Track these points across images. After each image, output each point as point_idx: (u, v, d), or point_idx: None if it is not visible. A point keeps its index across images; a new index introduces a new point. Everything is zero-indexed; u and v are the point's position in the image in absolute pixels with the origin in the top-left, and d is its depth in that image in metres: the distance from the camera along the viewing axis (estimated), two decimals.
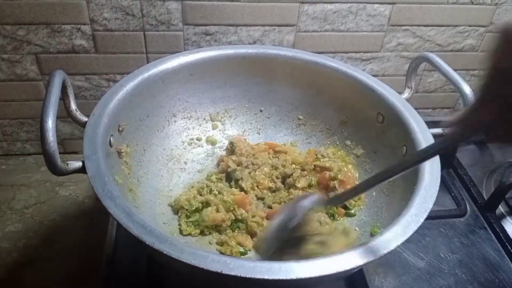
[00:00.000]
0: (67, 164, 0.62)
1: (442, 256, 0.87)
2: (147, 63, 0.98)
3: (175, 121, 0.93)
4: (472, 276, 0.84)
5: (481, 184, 1.04)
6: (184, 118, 0.95)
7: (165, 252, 0.54)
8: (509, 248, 0.89)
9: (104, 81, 1.02)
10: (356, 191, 0.69)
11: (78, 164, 0.63)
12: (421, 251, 0.87)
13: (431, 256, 0.86)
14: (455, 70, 0.82)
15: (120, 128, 0.77)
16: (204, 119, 0.98)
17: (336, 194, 0.86)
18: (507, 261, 0.87)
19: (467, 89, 0.77)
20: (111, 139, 0.73)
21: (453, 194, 0.98)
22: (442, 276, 0.83)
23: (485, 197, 0.99)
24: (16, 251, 0.90)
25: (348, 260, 0.57)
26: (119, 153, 0.76)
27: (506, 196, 0.96)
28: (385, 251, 0.58)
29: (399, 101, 0.84)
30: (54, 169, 0.60)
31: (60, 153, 1.08)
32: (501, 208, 0.97)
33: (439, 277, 0.83)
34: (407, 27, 1.06)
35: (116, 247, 0.84)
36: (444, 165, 0.72)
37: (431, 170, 0.70)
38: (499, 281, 0.83)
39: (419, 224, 0.62)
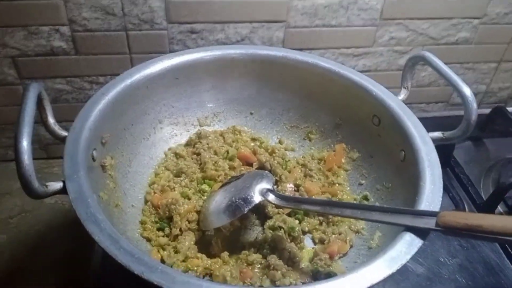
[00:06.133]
0: (46, 186, 0.58)
1: (442, 260, 0.85)
2: (131, 63, 0.97)
3: (161, 128, 0.89)
4: (473, 280, 0.82)
5: (478, 182, 1.01)
6: (171, 124, 0.91)
7: (155, 283, 0.51)
8: (510, 250, 0.87)
9: (87, 84, 0.99)
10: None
11: (59, 185, 0.59)
12: (420, 256, 0.85)
13: (430, 261, 0.84)
14: (449, 63, 0.78)
15: (103, 140, 0.73)
16: (192, 124, 0.94)
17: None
18: (508, 263, 0.85)
19: (466, 91, 0.73)
20: (93, 153, 0.69)
21: (451, 194, 0.95)
22: (442, 282, 0.81)
23: (483, 196, 0.97)
24: (0, 263, 0.88)
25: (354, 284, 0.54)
26: (103, 166, 0.72)
27: (505, 196, 0.93)
28: (390, 272, 0.55)
29: (396, 102, 0.81)
30: (31, 193, 0.55)
31: (43, 158, 1.07)
32: (500, 208, 0.95)
33: (439, 282, 0.81)
34: (399, 20, 1.03)
35: (104, 258, 0.80)
36: (441, 165, 0.70)
37: (433, 178, 0.67)
38: (500, 285, 0.82)
39: (423, 240, 0.59)
